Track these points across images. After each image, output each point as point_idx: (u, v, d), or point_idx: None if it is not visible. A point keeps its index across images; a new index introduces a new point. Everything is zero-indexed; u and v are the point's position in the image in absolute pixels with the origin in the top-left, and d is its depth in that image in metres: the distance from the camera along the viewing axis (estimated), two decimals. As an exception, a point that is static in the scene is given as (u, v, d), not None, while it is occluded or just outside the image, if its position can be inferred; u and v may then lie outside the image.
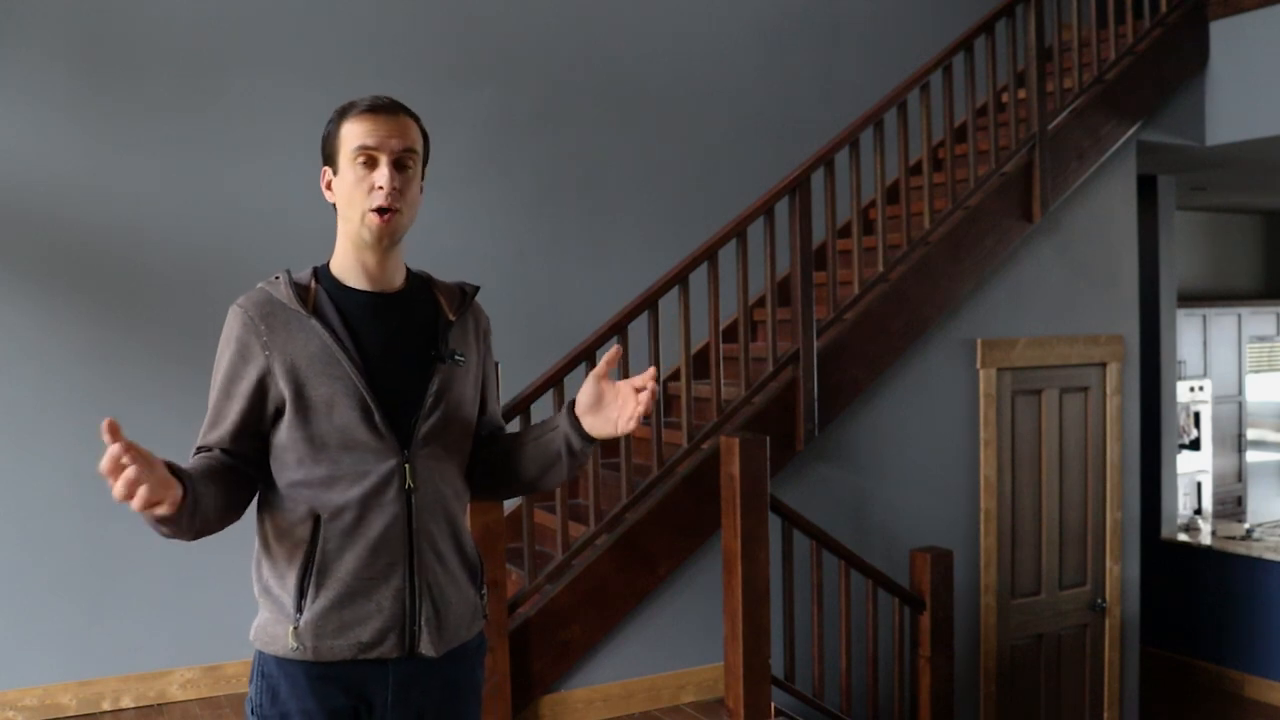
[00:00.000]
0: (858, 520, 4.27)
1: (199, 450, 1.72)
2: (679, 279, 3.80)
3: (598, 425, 1.76)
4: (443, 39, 4.39)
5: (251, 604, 3.82)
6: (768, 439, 3.57)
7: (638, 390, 1.71)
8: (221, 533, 4.29)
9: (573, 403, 1.79)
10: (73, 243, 3.79)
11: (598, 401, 1.75)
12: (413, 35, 4.33)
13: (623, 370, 3.69)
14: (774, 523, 3.72)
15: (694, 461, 3.81)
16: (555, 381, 3.62)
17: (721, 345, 3.99)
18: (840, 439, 4.21)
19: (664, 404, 4.27)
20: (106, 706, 3.78)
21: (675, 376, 4.47)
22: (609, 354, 1.70)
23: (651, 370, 1.72)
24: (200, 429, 1.73)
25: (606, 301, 4.23)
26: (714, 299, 3.85)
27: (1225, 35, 5.24)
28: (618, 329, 3.72)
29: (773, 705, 3.59)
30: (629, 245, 4.70)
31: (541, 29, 4.60)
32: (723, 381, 3.97)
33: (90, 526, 3.78)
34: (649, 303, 3.75)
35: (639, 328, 3.89)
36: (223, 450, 1.70)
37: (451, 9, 4.41)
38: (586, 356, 3.66)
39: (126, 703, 3.80)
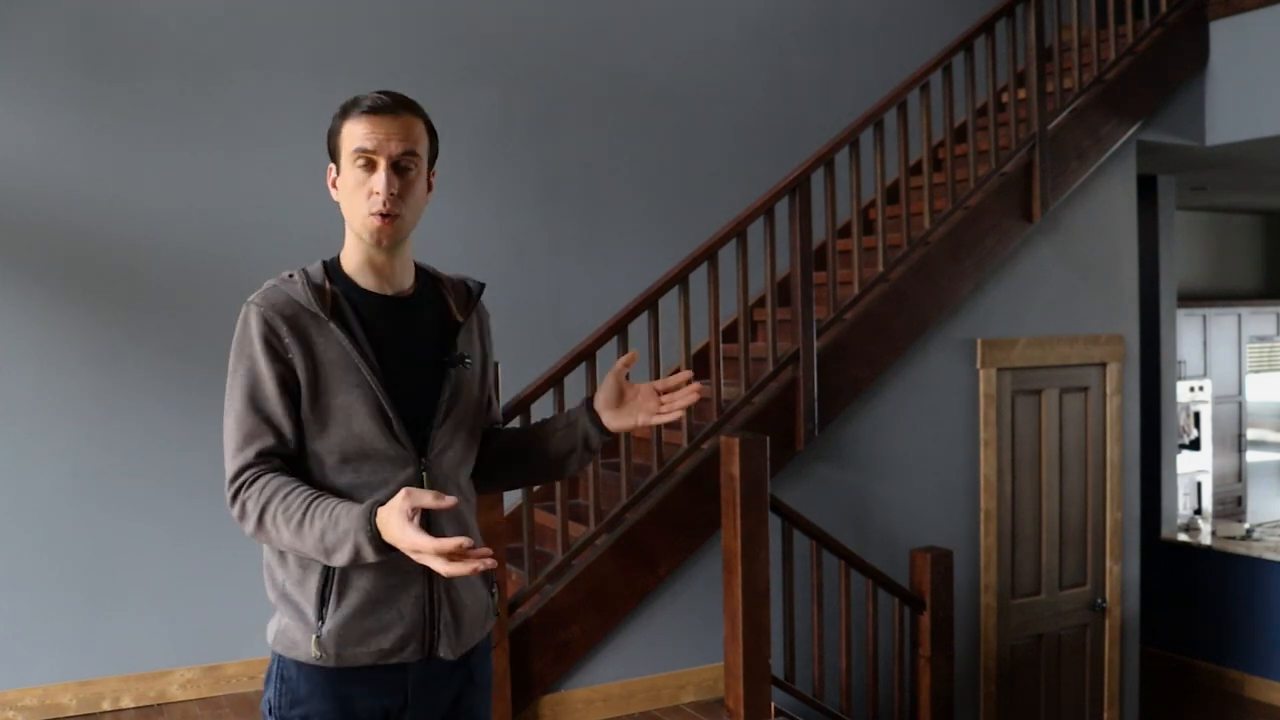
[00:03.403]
0: (858, 520, 4.27)
1: (265, 455, 1.63)
2: (679, 279, 3.80)
3: (618, 419, 1.80)
4: (443, 39, 4.39)
5: (251, 604, 3.80)
6: (768, 439, 3.57)
7: (660, 393, 1.78)
8: (221, 533, 4.26)
9: (590, 400, 1.82)
10: (73, 242, 3.79)
11: (619, 399, 1.80)
12: (413, 36, 4.33)
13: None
14: (774, 523, 3.72)
15: (694, 461, 3.81)
16: (555, 381, 3.62)
17: (721, 345, 3.99)
18: (840, 439, 4.21)
19: (664, 404, 4.25)
20: (106, 706, 3.78)
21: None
22: (626, 356, 1.78)
23: (688, 373, 1.78)
24: (235, 439, 1.64)
25: (606, 301, 4.23)
26: (714, 299, 3.85)
27: (1225, 35, 5.23)
28: (618, 329, 3.72)
29: (773, 705, 3.59)
30: (629, 245, 4.70)
31: (542, 30, 4.60)
32: (723, 381, 3.97)
33: (90, 526, 3.78)
34: (649, 303, 3.75)
35: (639, 328, 3.89)
36: (286, 455, 1.66)
37: (452, 9, 4.41)
38: (586, 356, 3.67)
39: (126, 703, 3.80)
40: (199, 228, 3.95)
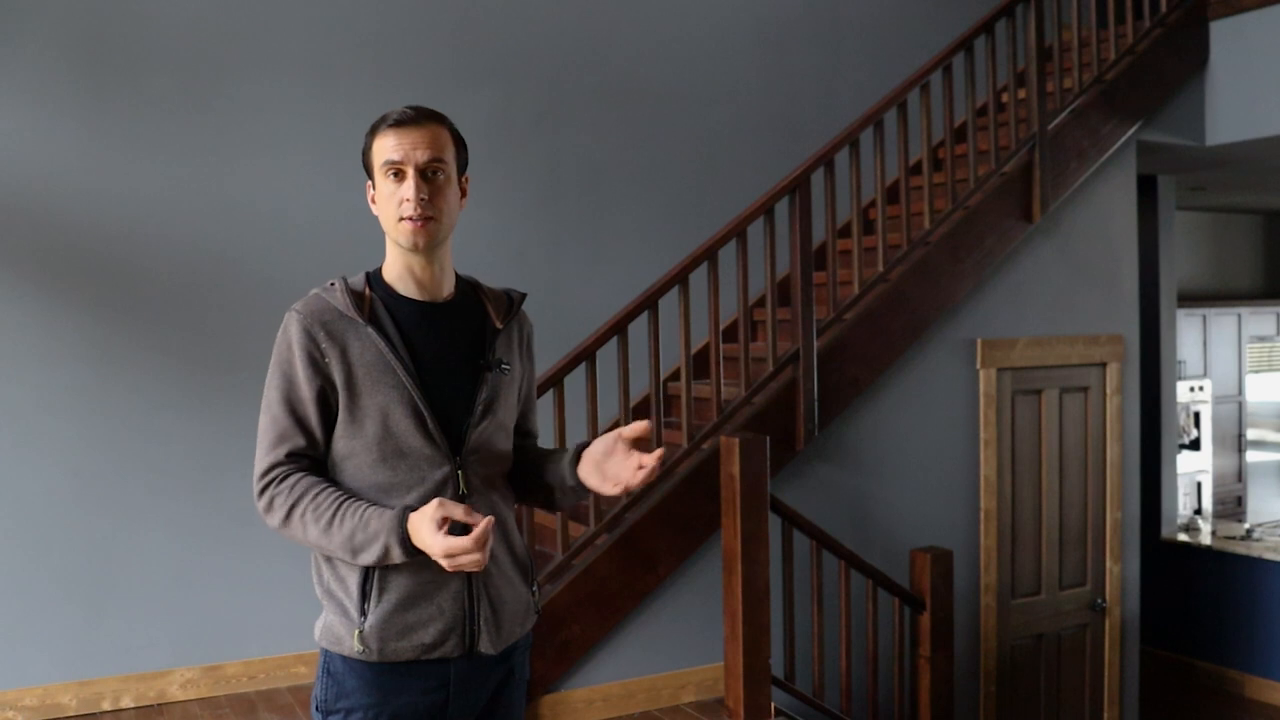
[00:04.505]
0: (858, 520, 4.27)
1: (295, 456, 1.73)
2: (679, 279, 3.80)
3: (590, 476, 1.79)
4: (443, 39, 4.39)
5: (251, 604, 3.80)
6: (768, 439, 3.57)
7: (640, 467, 1.72)
8: (221, 533, 4.26)
9: (586, 444, 1.82)
10: (73, 242, 3.79)
11: (607, 456, 1.77)
12: (413, 35, 4.32)
13: (622, 367, 3.69)
14: (774, 523, 3.72)
15: (694, 461, 3.81)
16: (555, 381, 3.62)
17: (721, 345, 3.99)
18: (840, 439, 4.21)
19: (664, 404, 4.27)
20: (106, 706, 3.77)
21: (675, 376, 4.47)
22: (640, 428, 1.71)
23: (660, 451, 1.73)
24: (269, 436, 1.74)
25: (606, 301, 4.23)
26: (714, 299, 3.85)
27: (1225, 35, 5.23)
28: (618, 329, 3.72)
29: (773, 705, 3.59)
30: (629, 245, 4.70)
31: (541, 29, 4.60)
32: (723, 381, 3.97)
33: (90, 526, 3.78)
34: (649, 303, 3.75)
35: (639, 328, 3.89)
36: (314, 459, 1.75)
37: (451, 9, 4.41)
38: (586, 356, 3.67)
39: (126, 703, 3.80)
40: (199, 229, 3.95)
